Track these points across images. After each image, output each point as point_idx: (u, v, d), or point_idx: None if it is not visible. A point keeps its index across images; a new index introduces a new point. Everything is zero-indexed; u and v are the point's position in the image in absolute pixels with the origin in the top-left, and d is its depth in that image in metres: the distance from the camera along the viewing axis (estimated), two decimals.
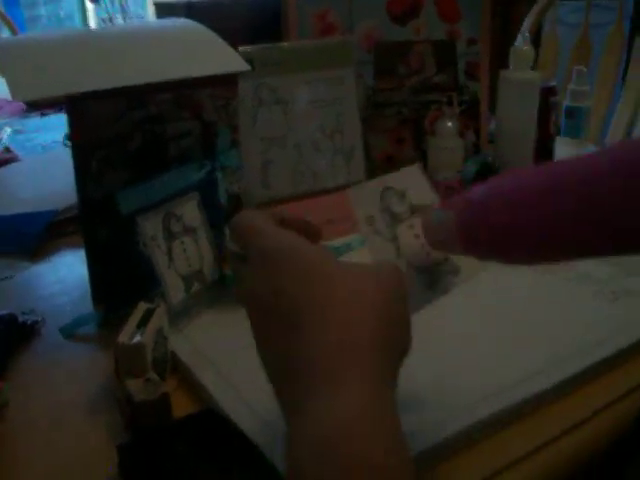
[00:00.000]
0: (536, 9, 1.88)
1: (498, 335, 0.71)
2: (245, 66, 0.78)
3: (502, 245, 0.49)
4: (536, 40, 1.96)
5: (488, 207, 0.48)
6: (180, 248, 0.76)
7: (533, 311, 0.76)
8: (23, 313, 0.82)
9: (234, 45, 0.85)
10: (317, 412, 0.39)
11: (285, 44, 0.96)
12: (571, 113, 1.41)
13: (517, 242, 0.49)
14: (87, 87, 0.67)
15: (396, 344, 0.44)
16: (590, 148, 1.31)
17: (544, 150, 1.15)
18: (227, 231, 0.77)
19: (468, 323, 0.73)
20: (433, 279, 0.56)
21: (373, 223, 0.55)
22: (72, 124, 0.74)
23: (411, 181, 0.57)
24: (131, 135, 0.78)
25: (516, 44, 1.02)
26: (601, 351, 0.67)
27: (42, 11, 4.59)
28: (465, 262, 0.56)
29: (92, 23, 4.33)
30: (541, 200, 0.47)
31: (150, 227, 0.74)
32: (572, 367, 0.65)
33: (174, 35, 0.82)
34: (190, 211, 0.78)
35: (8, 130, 1.56)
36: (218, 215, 0.81)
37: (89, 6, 4.27)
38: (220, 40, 0.80)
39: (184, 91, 0.80)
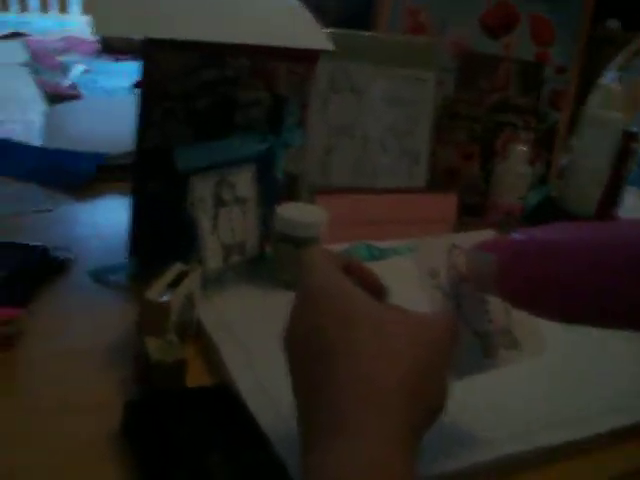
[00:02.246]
0: (627, 51, 1.83)
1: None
2: (328, 45, 0.76)
3: (533, 300, 0.50)
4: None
5: (530, 257, 0.49)
6: (227, 217, 0.74)
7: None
8: (56, 248, 0.81)
9: (324, 25, 0.83)
10: (334, 455, 0.39)
11: (371, 34, 0.93)
12: None
13: (548, 298, 0.49)
14: (165, 34, 0.65)
15: (427, 399, 0.44)
16: None
17: (612, 197, 1.11)
18: (278, 211, 0.76)
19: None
20: (490, 349, 0.54)
21: (436, 277, 0.53)
22: (144, 70, 0.73)
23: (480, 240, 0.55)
24: (201, 92, 0.76)
25: (605, 81, 0.99)
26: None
27: None
28: (526, 339, 0.56)
29: None
30: (584, 259, 0.47)
31: (201, 189, 0.72)
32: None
33: (265, 1, 0.80)
34: (244, 182, 0.76)
35: (79, 68, 1.56)
36: (272, 192, 0.79)
37: None
38: (310, 15, 0.78)
39: (262, 60, 0.78)
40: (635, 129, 1.11)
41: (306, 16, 0.78)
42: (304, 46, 0.75)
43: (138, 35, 0.65)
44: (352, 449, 0.39)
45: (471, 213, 1.02)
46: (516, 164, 0.94)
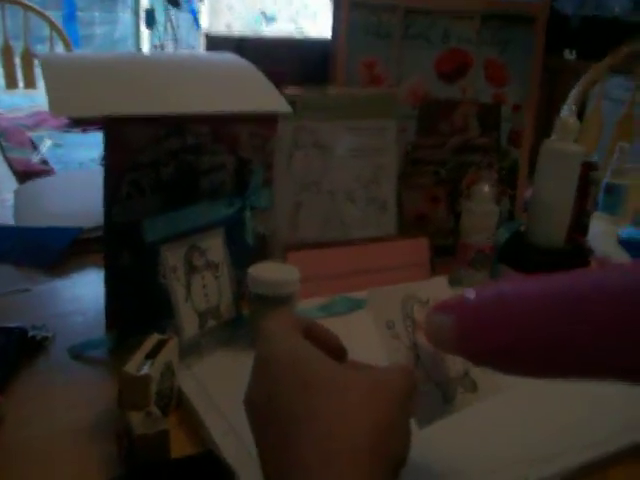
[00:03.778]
0: (583, 81, 1.88)
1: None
2: (286, 107, 0.78)
3: (499, 362, 0.49)
4: (580, 112, 1.95)
5: (488, 321, 0.48)
6: (200, 283, 0.75)
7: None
8: (34, 327, 0.81)
9: (280, 85, 0.85)
10: None
11: (329, 90, 0.95)
12: (611, 190, 1.39)
13: (515, 362, 0.48)
14: (125, 111, 0.67)
15: (390, 454, 0.44)
16: (625, 226, 1.28)
17: (579, 225, 1.13)
18: (250, 272, 0.77)
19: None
20: (449, 394, 0.55)
21: (392, 327, 0.54)
22: (107, 145, 0.74)
23: (436, 292, 0.56)
24: (165, 163, 0.77)
25: (561, 114, 1.01)
26: None
27: (97, 30, 4.70)
28: (483, 380, 0.56)
29: (145, 48, 4.42)
30: (547, 322, 0.46)
31: (172, 258, 0.73)
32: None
33: (219, 69, 0.82)
34: (215, 246, 0.77)
35: (48, 142, 1.57)
36: (243, 254, 0.80)
37: (144, 31, 4.36)
38: (264, 79, 0.80)
39: (223, 125, 0.80)
40: (595, 158, 1.14)
41: (261, 80, 0.80)
42: (262, 110, 0.76)
43: (96, 114, 0.66)
44: None
45: (444, 254, 1.03)
46: (482, 204, 0.96)
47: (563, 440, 0.65)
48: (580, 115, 1.99)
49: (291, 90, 0.89)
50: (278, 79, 0.84)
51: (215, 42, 1.04)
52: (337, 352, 0.52)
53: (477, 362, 0.51)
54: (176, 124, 0.76)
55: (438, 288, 0.57)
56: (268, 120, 0.82)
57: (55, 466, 0.61)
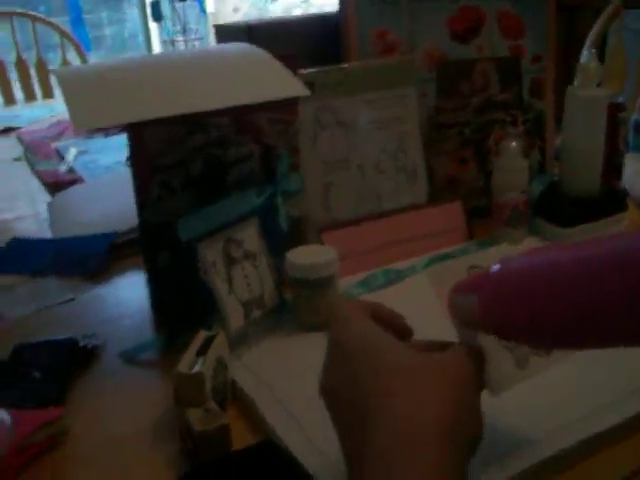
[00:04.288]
0: (600, 21, 1.83)
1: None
2: (305, 91, 0.77)
3: (526, 337, 0.48)
4: (601, 49, 1.91)
5: (510, 295, 0.47)
6: (240, 274, 0.76)
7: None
8: (84, 337, 0.82)
9: (295, 67, 0.84)
10: None
11: (345, 65, 0.94)
12: (639, 127, 1.36)
13: (542, 335, 0.47)
14: (146, 116, 0.67)
15: (464, 434, 0.45)
16: None
17: (612, 167, 1.11)
18: (288, 258, 0.77)
19: None
20: (522, 359, 0.54)
21: None
22: (133, 150, 0.75)
23: (497, 257, 0.55)
24: (191, 160, 0.78)
25: (582, 60, 0.99)
26: None
27: (107, 31, 4.71)
28: None
29: (155, 43, 4.42)
30: (573, 292, 0.45)
31: (210, 254, 0.73)
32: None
33: (234, 61, 0.82)
34: (250, 236, 0.77)
35: (73, 151, 1.59)
36: (279, 240, 0.81)
37: (152, 26, 4.36)
38: (279, 64, 0.80)
39: (244, 115, 0.80)
40: (621, 99, 1.12)
41: (276, 66, 0.80)
42: (281, 97, 0.76)
43: (118, 123, 0.67)
44: None
45: (479, 215, 1.02)
46: (511, 160, 0.95)
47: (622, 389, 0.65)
48: (602, 52, 1.94)
49: (307, 71, 0.89)
50: (291, 61, 0.83)
51: (225, 31, 1.04)
52: (403, 332, 0.54)
53: (504, 337, 0.50)
54: (197, 120, 0.76)
55: (498, 256, 0.56)
56: (288, 105, 0.82)
57: (124, 470, 0.63)
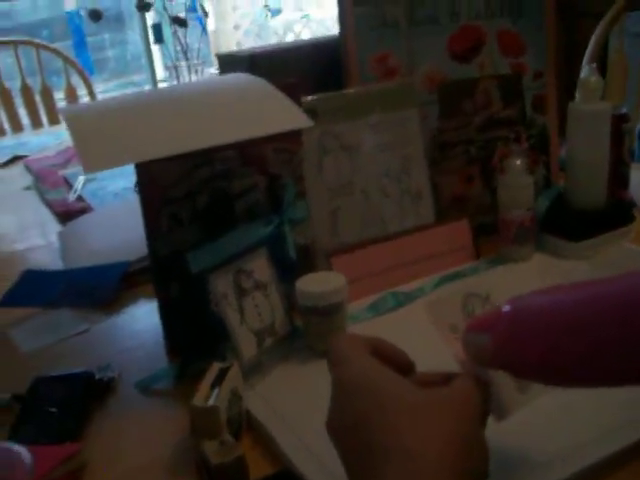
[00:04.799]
0: (601, 25, 1.84)
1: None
2: (308, 122, 0.78)
3: (541, 375, 0.49)
4: (604, 54, 1.91)
5: (524, 334, 0.47)
6: (252, 304, 0.77)
7: None
8: (99, 369, 0.83)
9: (297, 95, 0.86)
10: None
11: (347, 91, 0.95)
12: None
13: (555, 375, 0.48)
14: (154, 155, 0.68)
15: (472, 469, 0.45)
16: None
17: (618, 179, 1.11)
18: (297, 287, 0.78)
19: None
20: (523, 384, 0.54)
21: (457, 331, 0.54)
22: (140, 184, 0.76)
23: (493, 285, 0.56)
24: (199, 192, 0.79)
25: (582, 75, 1.00)
26: None
27: (109, 54, 4.75)
28: None
29: (158, 65, 4.45)
30: (583, 332, 0.45)
31: (221, 285, 0.74)
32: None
33: (236, 94, 0.83)
34: (260, 266, 0.78)
35: (82, 179, 1.60)
36: (288, 268, 0.82)
37: (154, 48, 4.39)
38: (282, 96, 0.81)
39: (248, 147, 0.81)
40: (624, 110, 1.13)
41: (278, 97, 0.81)
42: (285, 129, 0.77)
43: (127, 163, 0.68)
44: None
45: (486, 232, 1.03)
46: (516, 177, 0.96)
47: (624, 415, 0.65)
48: (605, 56, 1.95)
49: (309, 98, 0.90)
50: (293, 90, 0.84)
51: (227, 60, 1.05)
52: (405, 367, 0.54)
53: (519, 376, 0.51)
54: (203, 154, 0.77)
55: (494, 281, 0.57)
56: (292, 134, 0.83)
57: None
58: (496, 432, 0.52)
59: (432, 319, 0.54)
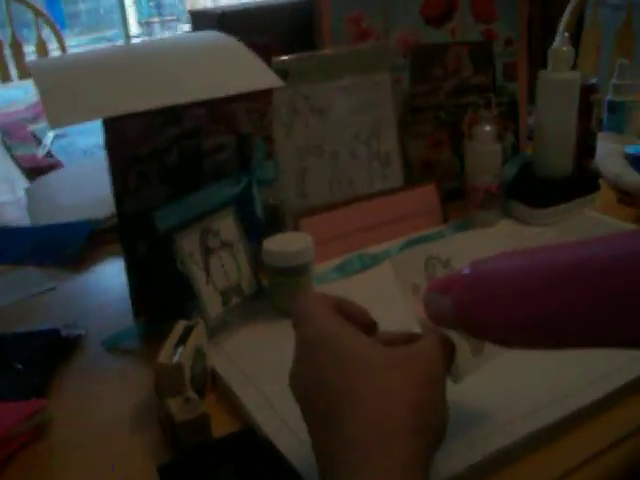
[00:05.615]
0: (575, 1, 1.84)
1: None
2: (278, 82, 0.78)
3: (502, 337, 0.49)
4: (579, 24, 1.92)
5: (485, 297, 0.48)
6: (218, 263, 0.77)
7: None
8: (66, 326, 0.83)
9: (268, 55, 0.85)
10: None
11: (319, 52, 0.95)
12: (614, 108, 1.38)
13: (518, 337, 0.48)
14: (122, 111, 0.68)
15: (431, 430, 0.46)
16: (634, 142, 1.28)
17: (585, 148, 1.13)
18: (264, 247, 0.79)
19: None
20: (476, 346, 0.55)
21: (418, 291, 0.54)
22: (108, 141, 0.75)
23: (455, 250, 0.56)
24: (167, 150, 0.79)
25: (554, 45, 1.00)
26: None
27: (82, 7, 4.65)
28: None
29: (131, 19, 4.36)
30: (545, 295, 0.45)
31: (187, 244, 0.74)
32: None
33: (207, 52, 0.82)
34: (227, 226, 0.79)
35: (51, 135, 1.58)
36: (255, 228, 0.82)
37: (128, 2, 4.30)
38: (252, 55, 0.80)
39: (218, 105, 0.80)
40: (593, 80, 1.14)
41: (249, 56, 0.80)
42: (255, 89, 0.77)
43: (94, 119, 0.67)
44: None
45: (453, 197, 1.04)
46: (484, 144, 0.96)
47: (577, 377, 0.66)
48: (579, 27, 1.95)
49: (280, 58, 0.89)
50: (265, 50, 0.84)
51: (199, 17, 1.03)
52: (368, 327, 0.54)
53: (480, 337, 0.51)
54: (173, 111, 0.77)
55: (456, 246, 0.57)
56: (263, 94, 0.82)
57: (106, 459, 0.64)
58: (455, 393, 0.53)
59: (396, 276, 0.55)
